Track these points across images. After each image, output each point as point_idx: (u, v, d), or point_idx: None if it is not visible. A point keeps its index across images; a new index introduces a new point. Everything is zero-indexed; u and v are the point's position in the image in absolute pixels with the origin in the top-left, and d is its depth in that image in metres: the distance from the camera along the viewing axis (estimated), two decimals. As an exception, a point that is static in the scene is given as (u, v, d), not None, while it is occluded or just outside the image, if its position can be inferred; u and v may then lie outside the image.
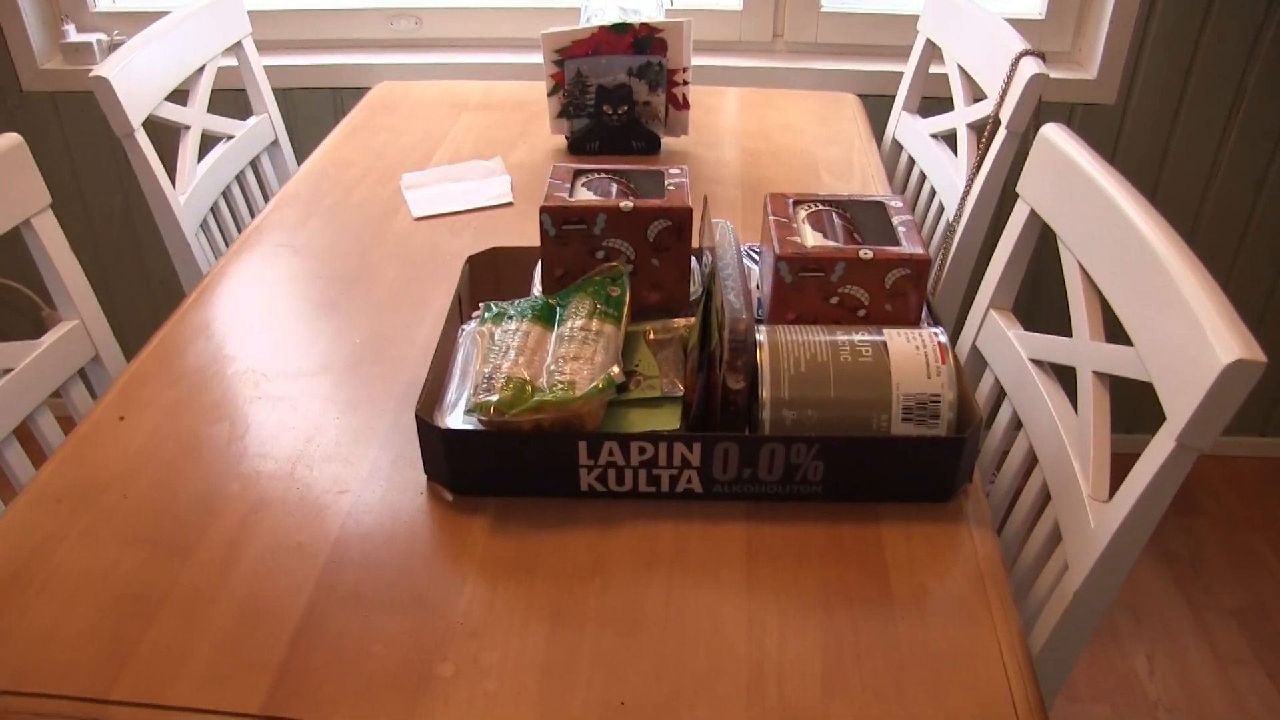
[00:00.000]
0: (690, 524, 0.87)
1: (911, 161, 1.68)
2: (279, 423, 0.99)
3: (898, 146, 1.74)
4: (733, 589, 0.81)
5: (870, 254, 0.91)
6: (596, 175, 1.03)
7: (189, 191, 1.46)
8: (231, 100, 1.84)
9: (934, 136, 1.60)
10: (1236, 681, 1.77)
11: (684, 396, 0.90)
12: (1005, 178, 1.36)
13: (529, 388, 0.86)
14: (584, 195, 0.99)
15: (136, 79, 1.39)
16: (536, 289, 1.00)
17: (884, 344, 0.87)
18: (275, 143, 1.71)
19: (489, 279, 1.11)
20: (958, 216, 1.40)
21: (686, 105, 1.51)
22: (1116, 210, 0.92)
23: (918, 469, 0.87)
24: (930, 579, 0.82)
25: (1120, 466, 0.86)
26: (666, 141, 1.55)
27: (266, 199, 1.73)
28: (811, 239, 0.95)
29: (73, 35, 1.89)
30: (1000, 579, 0.83)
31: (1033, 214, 1.09)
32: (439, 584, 0.82)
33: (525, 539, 0.85)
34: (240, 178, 1.64)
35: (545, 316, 0.94)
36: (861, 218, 1.00)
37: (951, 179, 1.48)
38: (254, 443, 0.97)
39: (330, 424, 0.99)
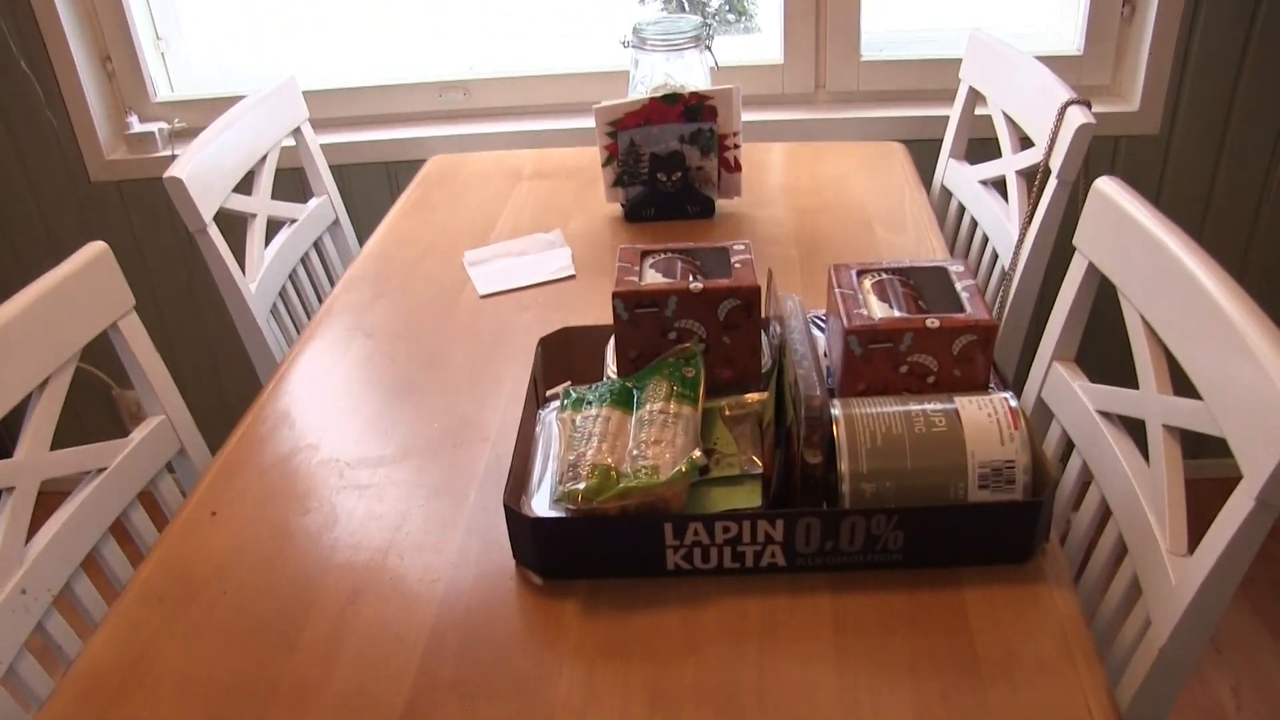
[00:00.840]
0: (776, 597, 0.89)
1: (962, 208, 1.70)
2: (366, 512, 1.03)
3: (947, 194, 1.76)
4: (822, 660, 0.84)
5: (937, 323, 0.94)
6: (662, 255, 1.07)
7: (258, 279, 1.51)
8: (289, 179, 1.90)
9: (983, 183, 1.62)
10: (1323, 711, 1.76)
11: (763, 473, 0.92)
12: (1058, 225, 1.38)
13: (614, 474, 0.89)
14: (652, 276, 1.03)
15: (206, 175, 1.45)
16: (610, 370, 1.04)
17: (956, 412, 0.89)
18: (336, 222, 1.77)
19: (561, 358, 1.14)
20: (1013, 266, 1.42)
21: (738, 168, 1.55)
22: (1176, 263, 0.94)
23: (996, 533, 0.89)
24: (1015, 641, 0.84)
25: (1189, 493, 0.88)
26: (720, 204, 1.58)
27: (331, 279, 1.79)
28: (878, 310, 0.97)
29: (136, 126, 1.96)
30: (1084, 638, 0.84)
31: (1091, 267, 1.11)
32: (536, 669, 0.85)
33: (616, 620, 0.88)
34: (305, 260, 1.70)
35: (624, 400, 0.97)
36: (924, 284, 1.03)
37: (1004, 226, 1.50)
38: (344, 533, 1.01)
39: (416, 511, 1.03)
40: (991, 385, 0.99)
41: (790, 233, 1.52)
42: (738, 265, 1.02)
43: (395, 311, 1.39)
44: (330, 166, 1.91)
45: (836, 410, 0.91)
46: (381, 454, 1.12)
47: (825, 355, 1.07)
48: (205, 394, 2.24)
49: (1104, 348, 1.90)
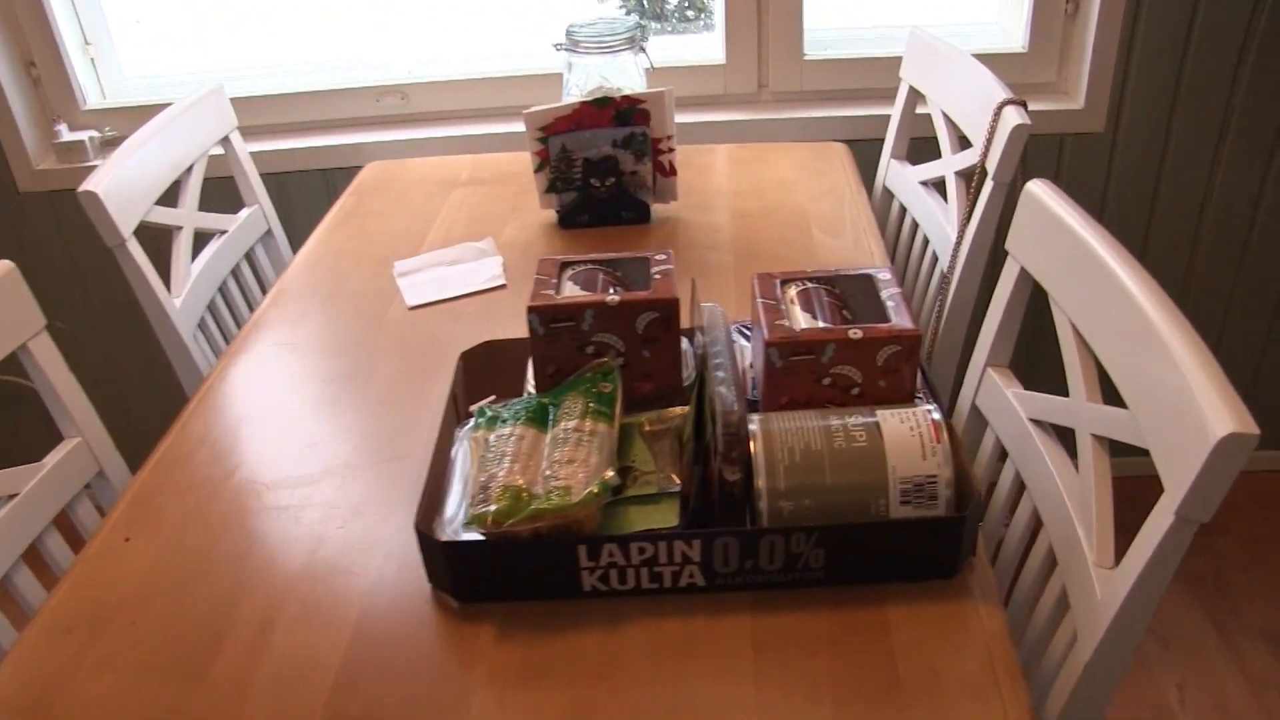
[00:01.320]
0: (695, 617, 0.87)
1: (903, 210, 1.69)
2: (282, 536, 1.00)
3: (889, 195, 1.75)
4: (742, 681, 0.82)
5: (859, 333, 0.92)
6: (583, 267, 1.04)
7: (184, 293, 1.48)
8: (221, 188, 1.86)
9: (924, 184, 1.61)
10: (1272, 707, 1.76)
11: (681, 490, 0.90)
12: (996, 227, 1.37)
13: (525, 495, 0.86)
14: (570, 290, 1.00)
15: (127, 188, 1.41)
16: (530, 385, 1.01)
17: (878, 426, 0.87)
18: (269, 232, 1.73)
19: (484, 373, 1.12)
20: (951, 268, 1.41)
21: (673, 171, 1.52)
22: (1106, 271, 0.93)
23: (919, 550, 0.87)
24: (939, 660, 0.82)
25: (1136, 489, 0.86)
26: (657, 209, 1.56)
27: (264, 290, 1.75)
28: (801, 320, 0.96)
29: (65, 135, 1.92)
30: (1009, 656, 0.83)
31: (1023, 272, 1.10)
32: (449, 697, 0.82)
33: (533, 643, 0.86)
34: (236, 271, 1.67)
35: (539, 418, 0.94)
36: (851, 292, 1.01)
37: (943, 228, 1.49)
38: (260, 559, 0.98)
39: (334, 534, 1.00)
40: (919, 396, 0.97)
41: (727, 239, 1.50)
42: (657, 276, 1.00)
43: (323, 325, 1.36)
44: (266, 175, 1.88)
45: (754, 425, 0.89)
46: (302, 474, 1.09)
47: (750, 367, 1.05)
48: (146, 407, 2.20)
49: (1041, 353, 1.89)
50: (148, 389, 2.17)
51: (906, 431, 0.87)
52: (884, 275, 1.00)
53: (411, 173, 1.78)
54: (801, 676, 0.82)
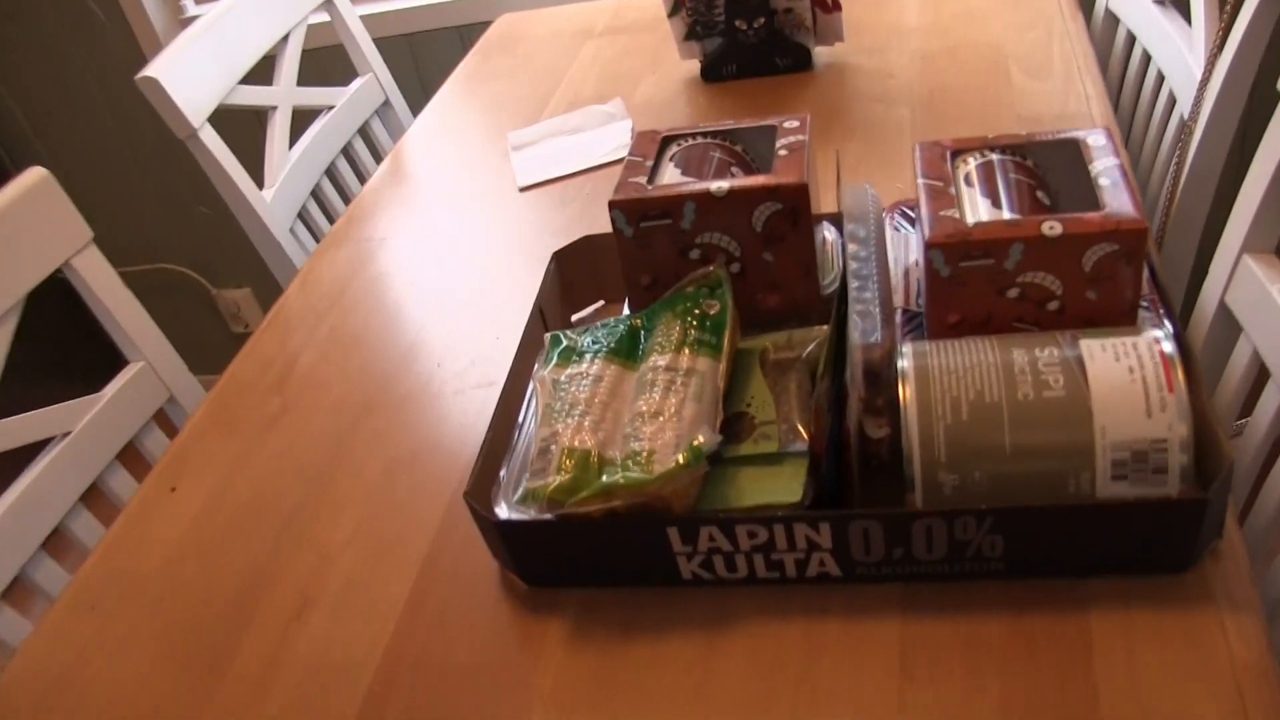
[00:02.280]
0: (827, 619, 0.65)
1: (1131, 39, 1.33)
2: (336, 488, 0.83)
3: (1113, 20, 1.38)
4: (882, 709, 0.59)
5: (1058, 228, 0.64)
6: (690, 141, 0.80)
7: (278, 183, 1.30)
8: (332, 59, 1.65)
9: (1160, 2, 1.24)
10: None
11: (810, 449, 0.67)
12: (1260, 58, 1.02)
13: (595, 462, 0.65)
14: (671, 175, 0.76)
15: (198, 69, 1.23)
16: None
17: (1080, 364, 0.61)
18: (386, 103, 1.53)
19: (585, 277, 0.90)
20: (1194, 114, 1.07)
21: (837, 6, 1.23)
22: None
23: (1139, 538, 0.61)
24: (1160, 699, 0.57)
25: None
26: (819, 53, 1.28)
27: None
28: (978, 207, 0.69)
29: (191, 8, 1.76)
30: (1271, 695, 0.57)
31: (1304, 122, 0.78)
32: (502, 711, 0.63)
33: (611, 646, 0.66)
34: (349, 149, 1.48)
35: (626, 349, 0.72)
36: (1049, 164, 0.73)
37: (1185, 61, 1.14)
38: (306, 517, 0.81)
39: (399, 486, 0.82)
40: (1144, 306, 0.69)
41: (903, 87, 1.20)
42: (783, 153, 0.74)
43: (420, 213, 1.16)
44: (397, 37, 1.68)
45: (906, 362, 0.64)
46: (368, 402, 0.91)
47: (917, 263, 0.78)
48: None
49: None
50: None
51: (1123, 374, 0.60)
52: (1097, 139, 0.71)
53: (544, 24, 1.54)
54: (963, 708, 0.58)
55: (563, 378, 0.71)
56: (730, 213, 0.72)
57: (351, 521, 0.80)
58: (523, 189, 1.16)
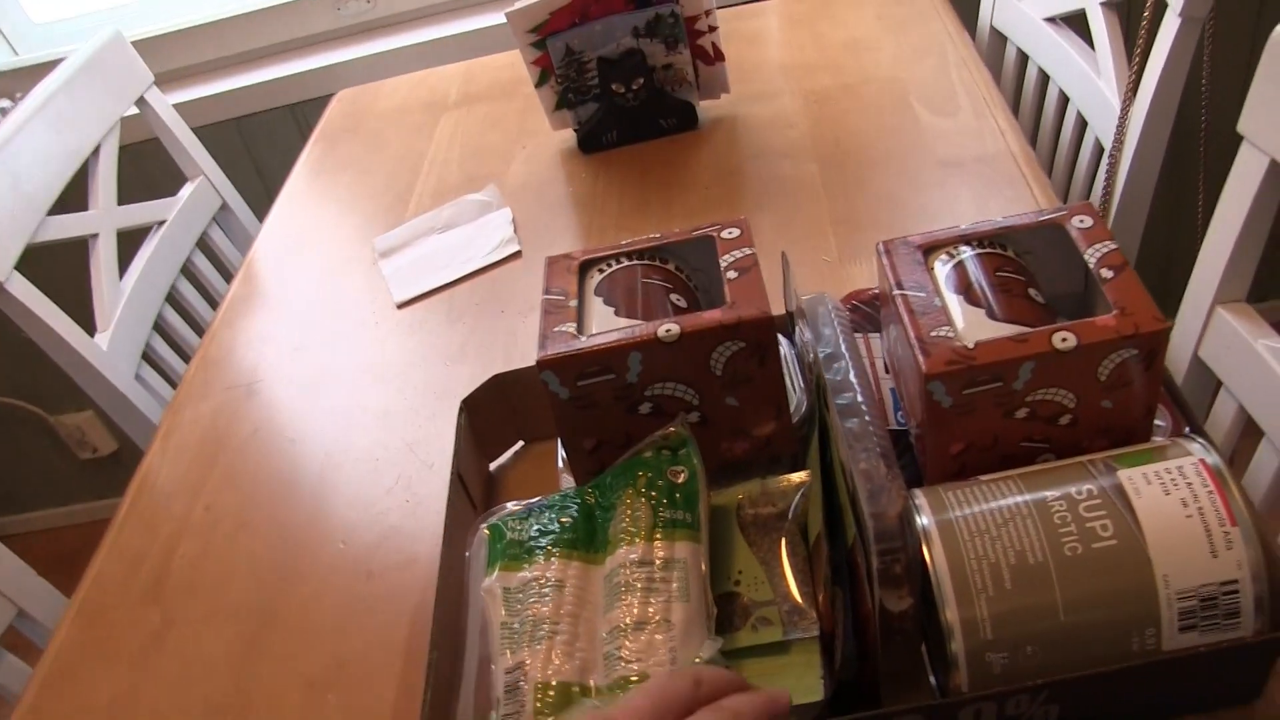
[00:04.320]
0: (869, 829, 0.56)
1: (1024, 58, 1.29)
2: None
3: (999, 39, 1.34)
4: None
5: (1071, 339, 0.57)
6: (614, 263, 0.70)
7: (112, 325, 1.14)
8: (149, 164, 1.49)
9: (1050, 21, 1.21)
10: None
11: (821, 629, 0.58)
12: (1185, 85, 0.98)
13: (577, 693, 0.55)
14: (602, 314, 0.66)
15: None
16: (564, 474, 0.69)
17: (1125, 501, 0.53)
18: (225, 206, 1.39)
19: (499, 418, 0.79)
20: (1117, 145, 1.03)
21: (719, 56, 1.15)
22: None
23: (1206, 683, 0.55)
24: None
25: None
26: (705, 108, 1.20)
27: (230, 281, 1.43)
28: (970, 320, 0.61)
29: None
30: None
31: (1275, 166, 0.73)
32: None
33: None
34: (191, 267, 1.32)
35: (585, 536, 0.62)
36: (1029, 247, 0.66)
37: (1091, 81, 1.10)
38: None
39: (325, 713, 0.70)
40: (1159, 423, 0.63)
41: (804, 137, 1.13)
42: (732, 275, 0.66)
43: (290, 347, 1.04)
44: (226, 123, 1.54)
45: (924, 520, 0.55)
46: (277, 599, 0.79)
47: (886, 370, 0.71)
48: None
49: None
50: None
51: (1177, 509, 0.53)
52: (1083, 221, 0.64)
53: (389, 98, 1.42)
54: None
55: (515, 585, 0.61)
56: (683, 358, 0.62)
57: None
58: (400, 305, 1.04)
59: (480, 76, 1.41)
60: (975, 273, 0.63)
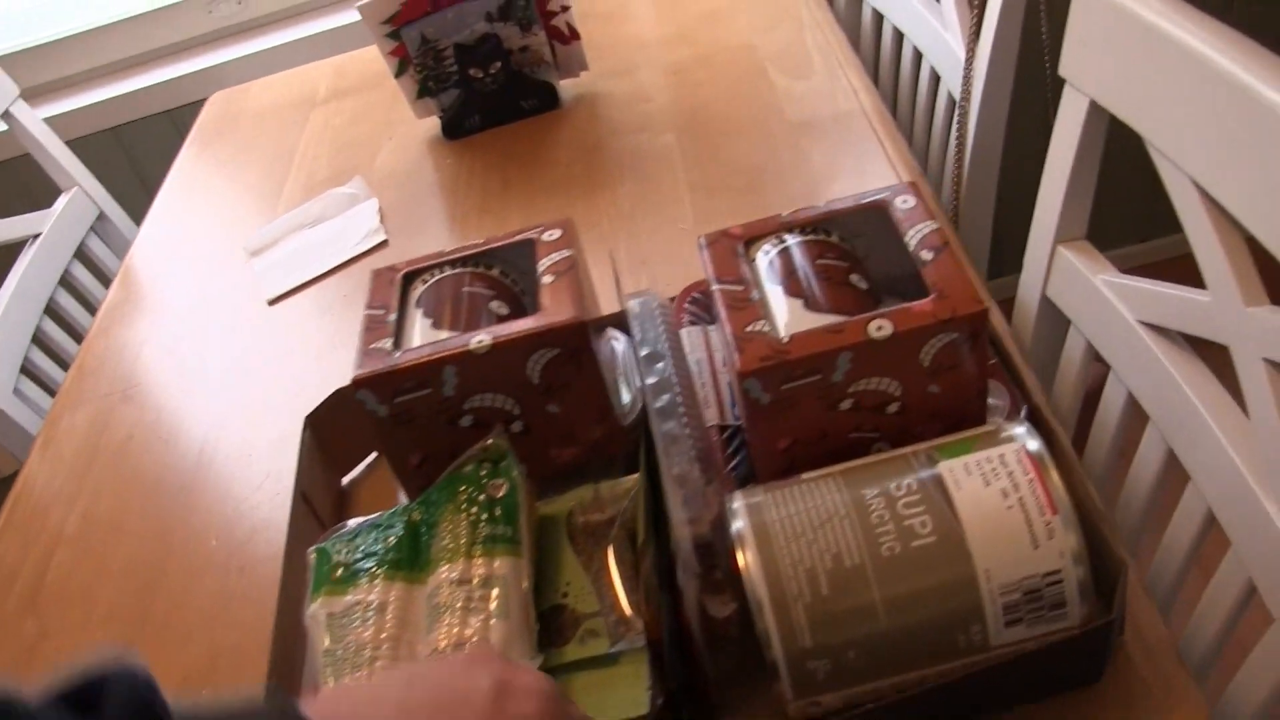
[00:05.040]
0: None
1: (879, 18, 1.21)
2: None
3: (855, 2, 1.27)
4: None
5: (887, 327, 0.51)
6: (438, 273, 0.63)
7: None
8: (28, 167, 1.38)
9: (901, -25, 1.13)
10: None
11: (648, 640, 0.52)
12: (1022, 28, 0.92)
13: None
14: (421, 327, 0.59)
15: None
16: (401, 494, 0.62)
17: (944, 494, 0.48)
18: (102, 216, 1.28)
19: (349, 431, 0.72)
20: (965, 95, 0.97)
21: (575, 35, 1.07)
22: (1246, 90, 0.51)
23: (1045, 673, 0.49)
24: None
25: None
26: (565, 86, 1.12)
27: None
28: (787, 312, 0.55)
29: None
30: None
31: (1094, 106, 0.67)
32: None
33: None
34: (69, 279, 1.23)
35: (409, 555, 0.55)
36: (856, 233, 0.59)
37: (938, 35, 1.03)
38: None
39: None
40: (996, 406, 0.57)
41: (663, 110, 1.05)
42: (548, 279, 0.59)
43: (164, 350, 0.96)
44: (104, 132, 1.43)
45: (740, 522, 0.49)
46: (152, 600, 0.72)
47: (725, 367, 0.64)
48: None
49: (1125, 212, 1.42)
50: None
51: (997, 501, 0.47)
52: (905, 201, 0.58)
53: (261, 98, 1.33)
54: None
55: (339, 610, 0.54)
56: (498, 369, 0.56)
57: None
58: (271, 302, 0.96)
59: (350, 71, 1.32)
60: (796, 261, 0.57)
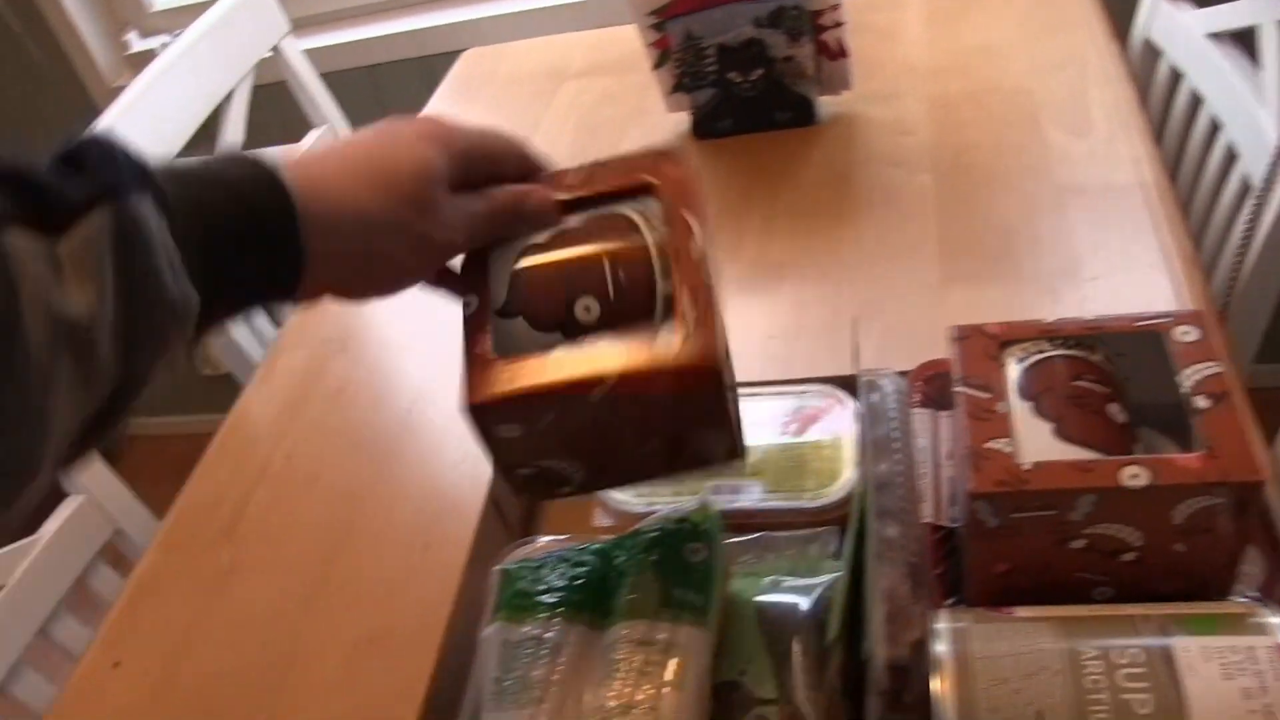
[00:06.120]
0: None
1: (1175, 76, 1.14)
2: (300, 687, 0.69)
3: (1152, 53, 1.19)
4: None
5: (1142, 477, 0.48)
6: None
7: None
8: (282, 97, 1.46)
9: (1213, 37, 1.06)
10: None
11: (824, 745, 0.52)
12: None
13: (556, 769, 0.50)
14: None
15: (147, 134, 1.07)
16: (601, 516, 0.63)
17: (1173, 675, 0.45)
18: (348, 155, 1.35)
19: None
20: (1268, 183, 0.90)
21: (843, 52, 1.05)
22: None
23: None
24: None
25: None
26: (823, 104, 1.10)
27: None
28: (1035, 434, 0.52)
29: (136, 44, 1.59)
30: None
31: None
32: None
33: None
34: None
35: (594, 598, 0.56)
36: (1124, 356, 0.56)
37: (1249, 109, 0.96)
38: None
39: (365, 677, 0.67)
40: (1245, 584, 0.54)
41: (923, 145, 1.02)
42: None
43: (382, 306, 1.00)
44: (359, 69, 1.50)
45: (943, 645, 0.48)
46: (335, 558, 0.77)
47: (948, 462, 0.62)
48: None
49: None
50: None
51: (1235, 699, 0.44)
52: (1186, 333, 0.54)
53: (514, 61, 1.36)
54: None
55: (515, 638, 0.56)
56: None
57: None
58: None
59: (606, 48, 1.33)
60: (1050, 378, 0.55)
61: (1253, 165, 0.95)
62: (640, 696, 0.51)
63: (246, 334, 1.16)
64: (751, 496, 0.64)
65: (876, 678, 0.48)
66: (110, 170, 0.41)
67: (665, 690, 0.51)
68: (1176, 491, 0.48)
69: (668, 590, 0.54)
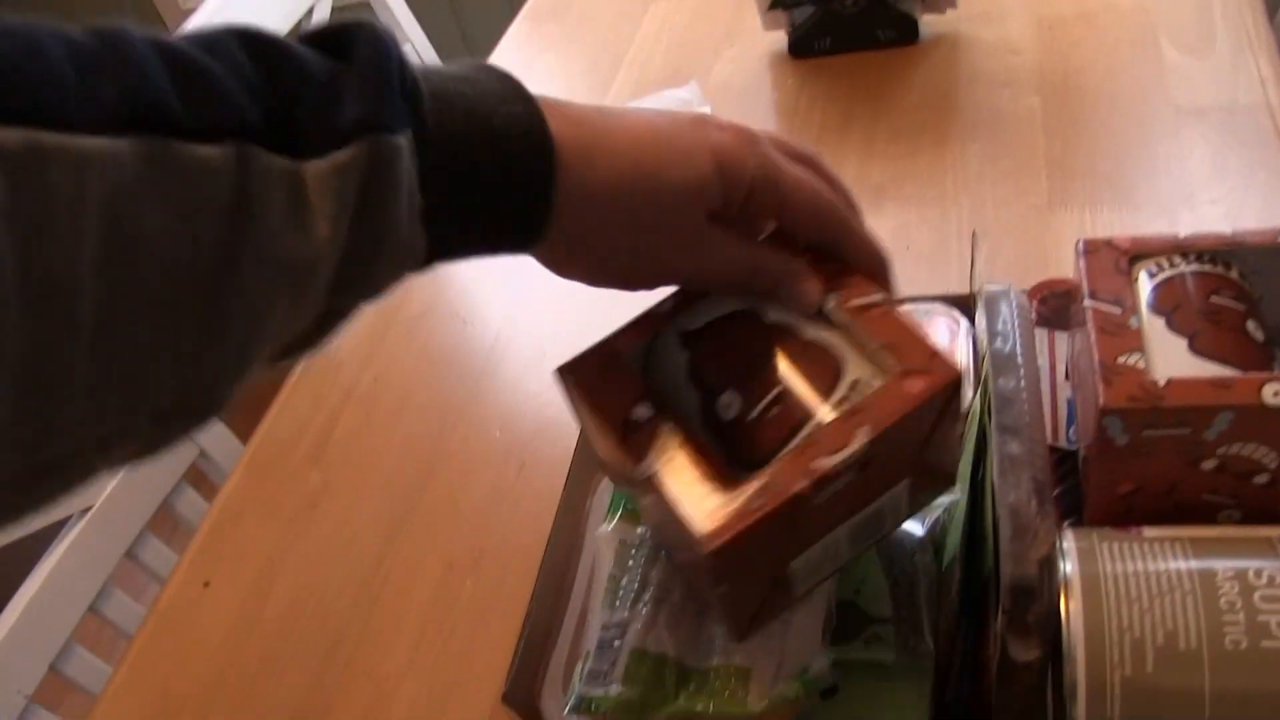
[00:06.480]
0: None
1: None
2: (395, 604, 0.71)
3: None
4: None
5: (1283, 393, 0.47)
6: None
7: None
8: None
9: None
10: None
11: (935, 662, 0.52)
12: None
13: (672, 675, 0.51)
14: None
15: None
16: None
17: (1318, 598, 0.44)
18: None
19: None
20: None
21: (950, -32, 1.02)
22: None
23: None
24: None
25: None
26: (927, 23, 1.07)
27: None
28: (1164, 347, 0.51)
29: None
30: None
31: None
32: None
33: None
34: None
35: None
36: (1260, 272, 0.55)
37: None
38: (358, 638, 0.69)
39: (462, 598, 0.69)
40: None
41: (1029, 67, 1.00)
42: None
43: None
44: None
45: (1069, 564, 0.48)
46: (428, 478, 0.78)
47: (1067, 374, 0.62)
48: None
49: None
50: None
51: (1382, 620, 0.43)
52: (1329, 246, 0.53)
53: (604, -21, 1.35)
54: None
55: (633, 539, 0.57)
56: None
57: (409, 642, 0.68)
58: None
59: (699, -36, 1.31)
60: (1185, 293, 0.53)
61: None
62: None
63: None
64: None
65: (1001, 596, 0.48)
66: (379, 91, 0.36)
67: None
68: (1320, 411, 0.47)
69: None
